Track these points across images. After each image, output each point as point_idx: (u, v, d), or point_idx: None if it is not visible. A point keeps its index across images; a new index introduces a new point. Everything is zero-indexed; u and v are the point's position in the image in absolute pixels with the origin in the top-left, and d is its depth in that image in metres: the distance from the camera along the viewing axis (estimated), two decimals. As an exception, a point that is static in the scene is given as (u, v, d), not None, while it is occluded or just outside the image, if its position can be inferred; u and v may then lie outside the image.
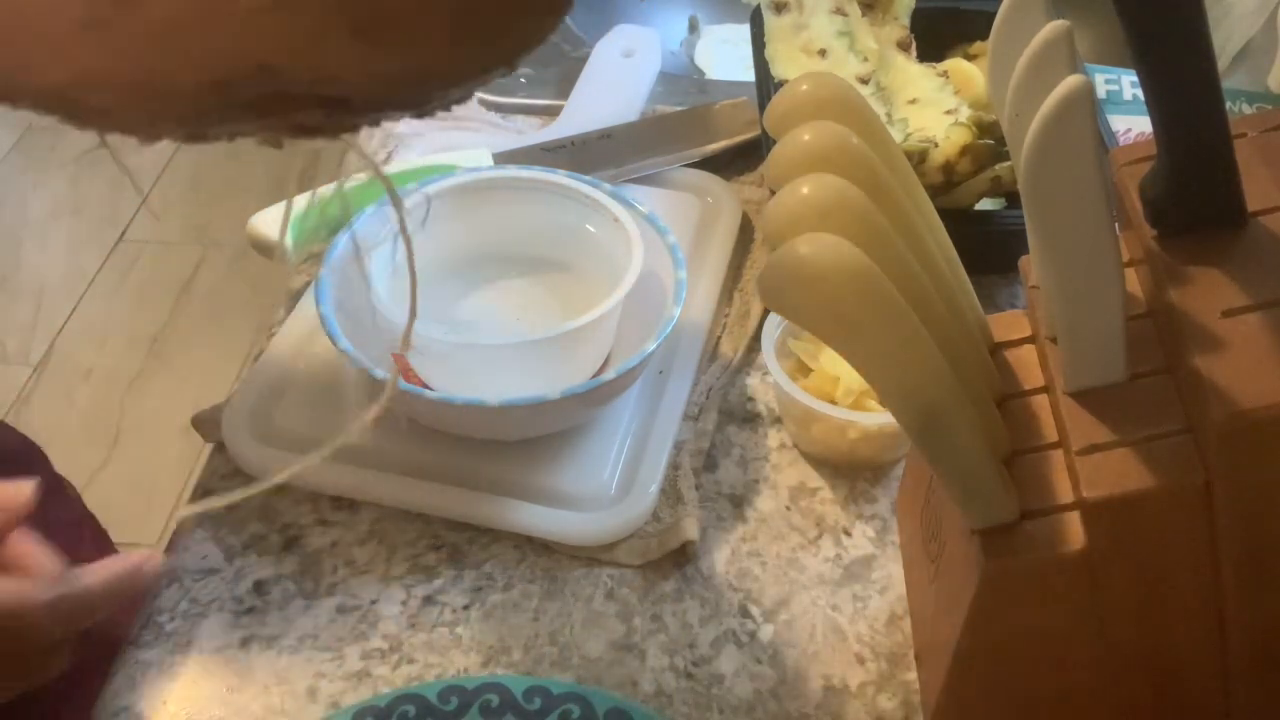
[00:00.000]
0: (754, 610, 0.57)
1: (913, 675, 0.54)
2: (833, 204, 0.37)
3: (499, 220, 0.67)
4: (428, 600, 0.57)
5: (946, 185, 0.68)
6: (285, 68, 0.25)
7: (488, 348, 0.60)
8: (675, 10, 1.01)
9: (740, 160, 0.80)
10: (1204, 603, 0.41)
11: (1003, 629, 0.43)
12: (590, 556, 0.59)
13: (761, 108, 0.75)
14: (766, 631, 0.56)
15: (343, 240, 0.63)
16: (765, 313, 0.68)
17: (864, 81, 0.73)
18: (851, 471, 0.63)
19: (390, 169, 0.75)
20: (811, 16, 0.76)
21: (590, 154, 0.77)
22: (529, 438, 0.61)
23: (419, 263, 0.35)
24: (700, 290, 0.70)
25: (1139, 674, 0.44)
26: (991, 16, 0.40)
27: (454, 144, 0.78)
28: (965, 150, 0.67)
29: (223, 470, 0.62)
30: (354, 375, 0.63)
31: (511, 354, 0.59)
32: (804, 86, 0.41)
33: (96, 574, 0.50)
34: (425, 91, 0.27)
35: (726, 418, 0.65)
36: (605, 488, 0.60)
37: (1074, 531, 0.40)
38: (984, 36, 0.76)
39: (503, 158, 0.75)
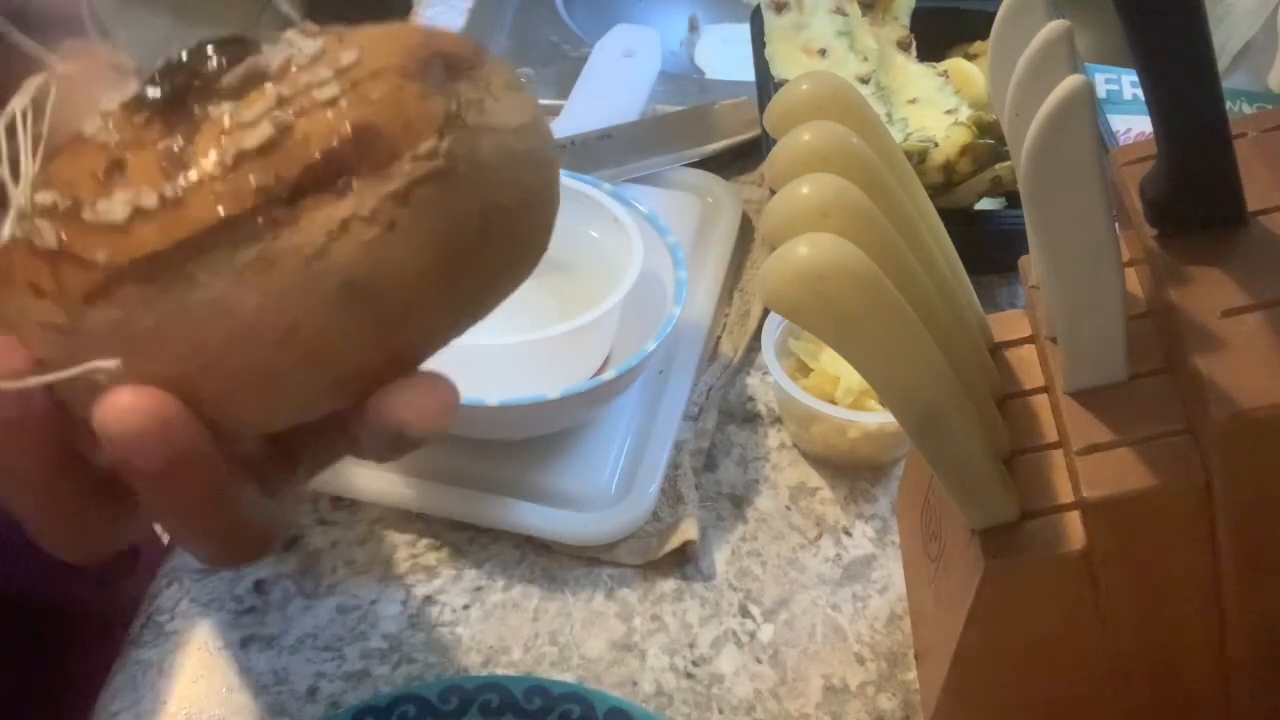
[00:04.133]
0: (754, 610, 0.57)
1: (913, 675, 0.54)
2: (833, 204, 0.37)
3: (499, 220, 0.67)
4: (428, 600, 0.57)
5: (946, 185, 0.68)
6: None
7: (487, 348, 0.60)
8: (675, 10, 1.02)
9: (740, 160, 0.80)
10: (1204, 602, 0.41)
11: (1003, 629, 0.43)
12: (590, 556, 0.59)
13: (761, 108, 0.75)
14: (766, 631, 0.56)
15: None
16: (765, 313, 0.68)
17: (864, 81, 0.73)
18: (851, 471, 0.63)
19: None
20: (811, 16, 0.76)
21: (590, 154, 0.77)
22: (529, 438, 0.61)
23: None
24: (700, 290, 0.70)
25: (1139, 674, 0.44)
26: (991, 16, 0.40)
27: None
28: (965, 150, 0.67)
29: (223, 470, 0.62)
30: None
31: (511, 354, 0.59)
32: (804, 86, 0.41)
33: None
34: None
35: (726, 418, 0.65)
36: (605, 488, 0.60)
37: (1074, 531, 0.40)
38: (984, 36, 0.76)
39: (503, 158, 0.75)
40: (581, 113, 0.81)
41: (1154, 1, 0.36)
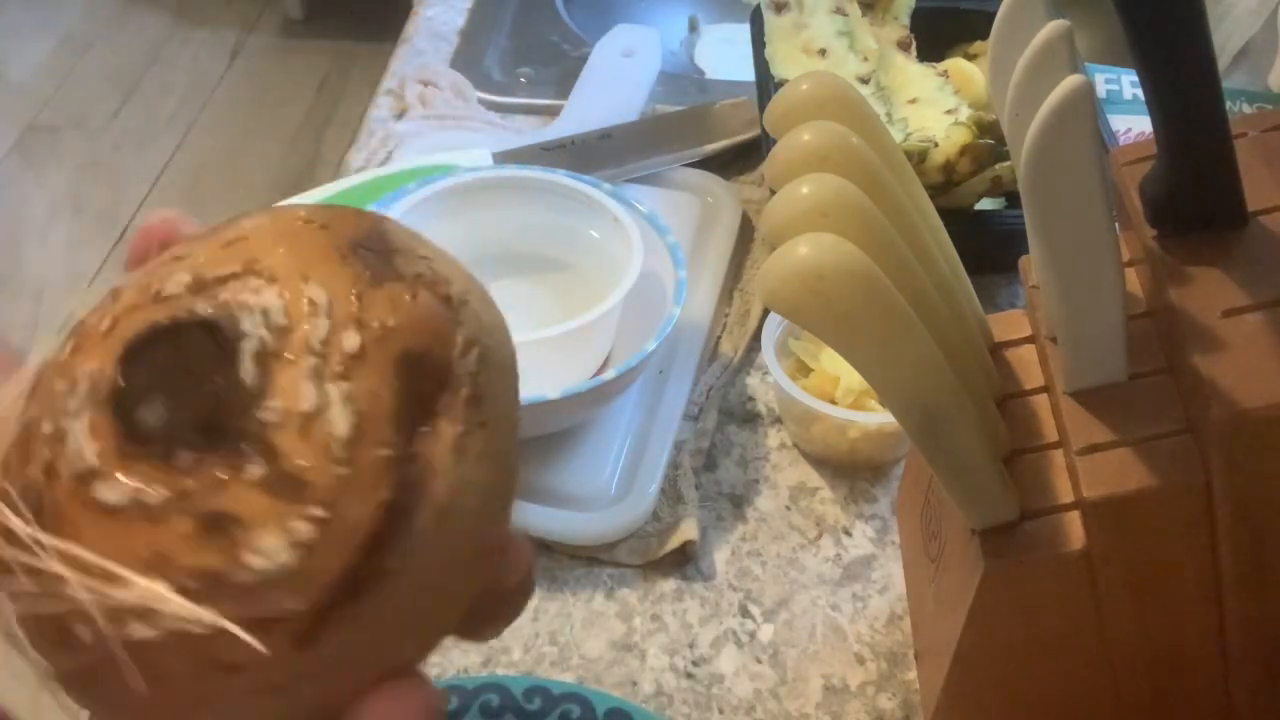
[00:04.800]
0: (754, 610, 0.57)
1: (913, 675, 0.54)
2: (833, 204, 0.37)
3: (499, 220, 0.67)
4: (428, 600, 0.57)
5: (946, 185, 0.68)
6: None
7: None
8: (675, 10, 1.01)
9: (740, 160, 0.80)
10: (1204, 602, 0.41)
11: (1003, 628, 0.43)
12: (590, 556, 0.59)
13: (761, 108, 0.75)
14: (766, 631, 0.56)
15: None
16: (765, 313, 0.68)
17: (864, 81, 0.73)
18: (851, 471, 0.63)
19: (390, 168, 0.75)
20: (811, 16, 0.76)
21: (590, 154, 0.77)
22: (529, 438, 0.61)
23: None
24: (700, 290, 0.70)
25: (1139, 673, 0.44)
26: (991, 16, 0.40)
27: (454, 144, 0.78)
28: (965, 150, 0.67)
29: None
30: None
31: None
32: (804, 86, 0.41)
33: None
34: None
35: (726, 417, 0.65)
36: (605, 488, 0.60)
37: (1074, 531, 0.40)
38: (984, 36, 0.76)
39: (503, 158, 0.75)
40: (581, 113, 0.81)
41: (1154, 1, 0.36)
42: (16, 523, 0.24)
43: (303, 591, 0.24)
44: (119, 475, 0.24)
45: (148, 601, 0.24)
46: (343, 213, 0.28)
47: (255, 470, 0.24)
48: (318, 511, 0.24)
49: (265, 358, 0.25)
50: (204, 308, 0.25)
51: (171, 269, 0.27)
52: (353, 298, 0.26)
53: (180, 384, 0.25)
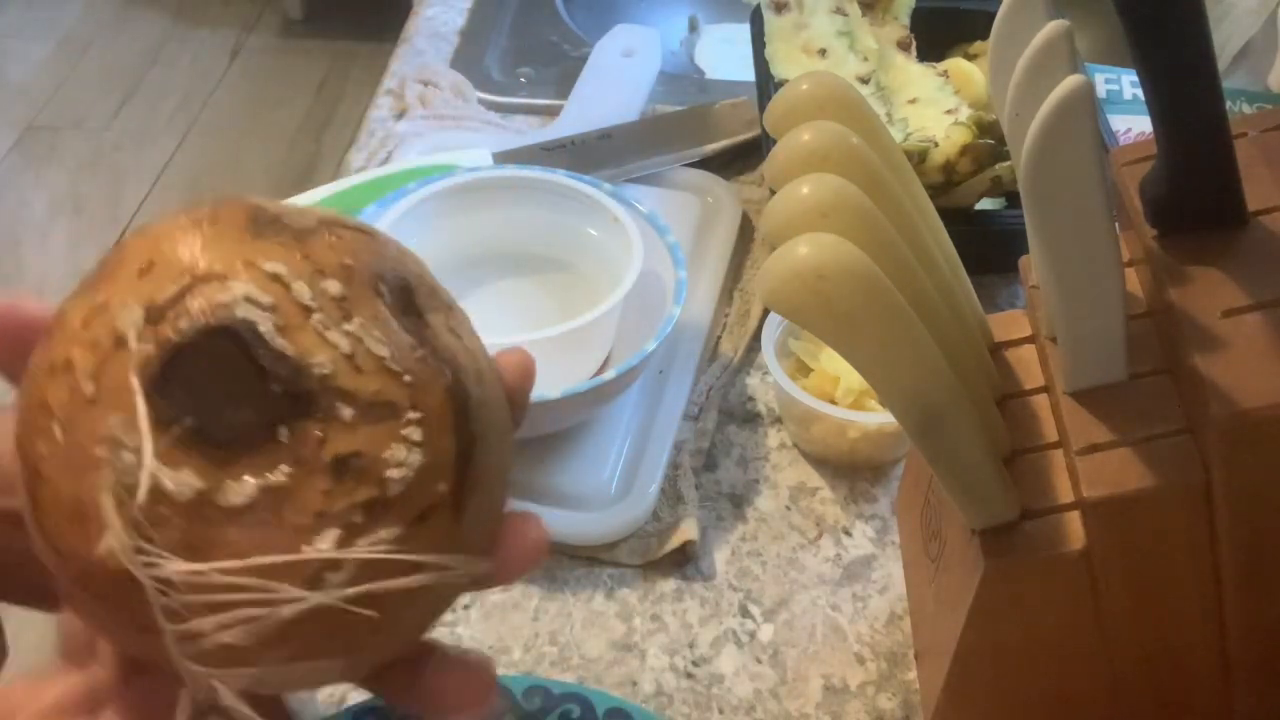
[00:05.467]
0: (754, 610, 0.57)
1: (913, 675, 0.54)
2: (833, 204, 0.37)
3: (499, 220, 0.67)
4: (428, 600, 0.57)
5: (946, 185, 0.68)
6: None
7: (488, 347, 0.60)
8: (675, 10, 1.02)
9: (740, 160, 0.80)
10: (1204, 603, 0.41)
11: (1003, 629, 0.43)
12: (590, 556, 0.59)
13: (761, 108, 0.75)
14: (766, 631, 0.56)
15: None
16: (765, 313, 0.68)
17: (864, 81, 0.73)
18: (851, 471, 0.63)
19: (390, 168, 0.75)
20: (811, 16, 0.76)
21: (590, 154, 0.77)
22: (529, 438, 0.61)
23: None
24: (700, 290, 0.70)
25: (1139, 674, 0.44)
26: (991, 16, 0.40)
27: (454, 144, 0.79)
28: (965, 150, 0.67)
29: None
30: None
31: (511, 354, 0.59)
32: (804, 86, 0.41)
33: None
34: None
35: (726, 417, 0.65)
36: (605, 488, 0.60)
37: (1074, 531, 0.40)
38: (984, 36, 0.76)
39: (503, 157, 0.75)
40: (581, 112, 0.81)
41: (1154, 2, 0.36)
42: (181, 565, 0.26)
43: (442, 475, 0.28)
44: (230, 482, 0.26)
45: (339, 554, 0.27)
46: (219, 204, 0.30)
47: (346, 412, 0.27)
48: (414, 415, 0.28)
49: (283, 331, 0.27)
50: (190, 322, 0.27)
51: (110, 316, 0.27)
52: (299, 258, 0.28)
53: (223, 385, 0.27)
